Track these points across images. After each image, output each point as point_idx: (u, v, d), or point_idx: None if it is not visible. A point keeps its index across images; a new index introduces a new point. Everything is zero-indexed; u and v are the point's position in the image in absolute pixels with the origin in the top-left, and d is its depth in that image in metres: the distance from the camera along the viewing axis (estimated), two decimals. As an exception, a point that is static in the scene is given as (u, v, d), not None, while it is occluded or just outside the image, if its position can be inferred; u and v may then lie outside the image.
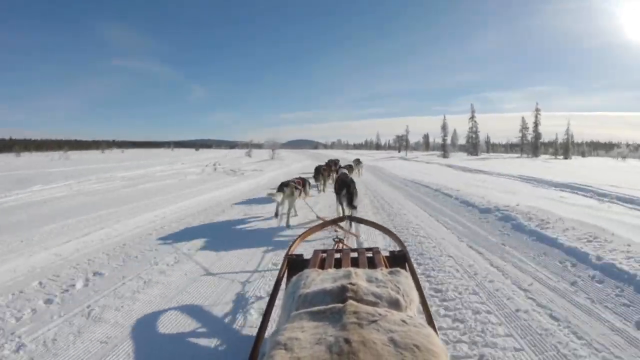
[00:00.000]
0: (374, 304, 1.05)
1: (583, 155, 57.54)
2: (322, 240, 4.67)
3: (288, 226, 5.77)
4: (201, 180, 12.57)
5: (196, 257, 4.37)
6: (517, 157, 46.31)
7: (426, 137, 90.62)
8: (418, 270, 3.60)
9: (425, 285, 3.30)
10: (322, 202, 8.82)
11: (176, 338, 2.54)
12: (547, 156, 51.91)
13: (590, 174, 17.32)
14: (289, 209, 5.92)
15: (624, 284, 3.22)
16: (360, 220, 2.90)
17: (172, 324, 2.75)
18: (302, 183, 6.49)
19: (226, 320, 2.80)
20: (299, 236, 2.35)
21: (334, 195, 6.38)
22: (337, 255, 1.97)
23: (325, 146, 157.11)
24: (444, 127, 49.40)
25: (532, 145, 50.26)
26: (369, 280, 1.21)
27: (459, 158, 39.63)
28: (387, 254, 2.15)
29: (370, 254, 1.94)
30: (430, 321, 1.31)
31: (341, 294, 1.09)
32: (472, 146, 50.41)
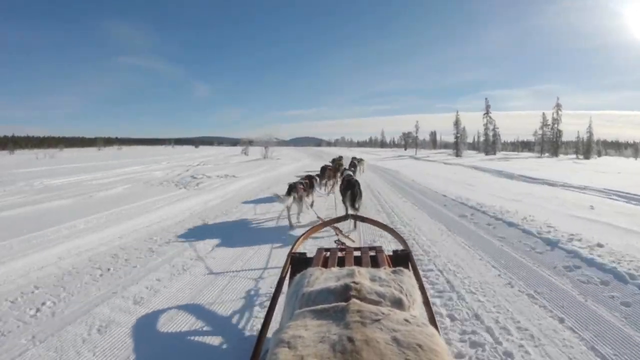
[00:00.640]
0: (377, 303, 1.03)
1: (599, 154, 52.34)
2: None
3: (291, 226, 5.67)
4: (117, 199, 7.81)
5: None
6: (538, 157, 41.46)
7: (433, 134, 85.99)
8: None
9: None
10: (328, 202, 8.00)
11: None
12: (568, 156, 47.00)
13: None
14: (298, 211, 5.89)
15: None
16: (363, 219, 2.84)
17: None
18: (309, 182, 6.37)
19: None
20: (302, 235, 2.32)
21: (335, 196, 6.67)
22: (340, 254, 1.92)
23: (328, 144, 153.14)
24: (456, 124, 44.59)
25: (552, 143, 45.40)
26: (372, 279, 1.20)
27: (477, 158, 34.82)
28: (391, 253, 2.06)
29: (373, 253, 1.91)
30: (432, 321, 1.29)
31: (345, 293, 1.07)
32: (490, 144, 45.35)
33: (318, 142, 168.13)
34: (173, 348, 2.41)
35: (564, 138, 47.70)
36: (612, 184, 11.50)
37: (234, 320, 2.79)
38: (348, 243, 2.63)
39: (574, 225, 5.43)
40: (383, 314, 0.93)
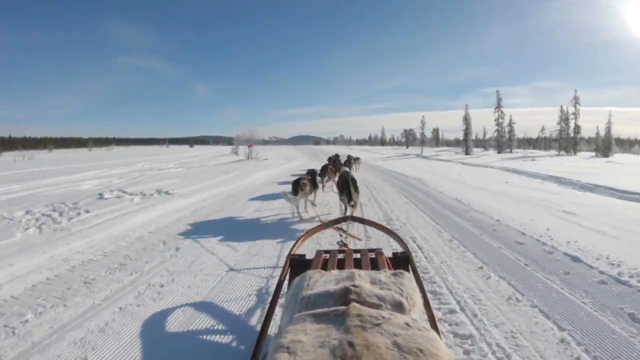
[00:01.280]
0: (377, 307, 1.01)
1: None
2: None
3: (299, 215, 5.79)
4: None
5: None
6: (558, 155, 37.04)
7: (436, 131, 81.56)
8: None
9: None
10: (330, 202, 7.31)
11: None
12: (587, 153, 42.50)
13: None
14: (305, 204, 5.97)
15: None
16: (362, 221, 2.83)
17: None
18: (311, 179, 6.31)
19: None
20: (302, 236, 2.26)
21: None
22: (340, 256, 1.88)
23: (327, 142, 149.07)
24: (465, 120, 40.05)
25: (570, 140, 40.93)
26: (373, 282, 1.17)
27: (496, 157, 30.19)
28: (390, 255, 1.99)
29: (373, 255, 1.86)
30: (433, 324, 1.26)
31: (344, 296, 1.04)
32: (505, 142, 40.53)
33: (317, 141, 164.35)
34: None
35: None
36: None
37: None
38: (354, 241, 2.63)
39: None
40: (383, 317, 0.91)
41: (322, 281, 1.21)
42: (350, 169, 9.15)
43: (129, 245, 4.50)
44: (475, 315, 2.63)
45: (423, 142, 46.65)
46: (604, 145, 41.24)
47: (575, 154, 40.52)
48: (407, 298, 1.08)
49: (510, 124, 40.51)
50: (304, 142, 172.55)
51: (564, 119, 40.31)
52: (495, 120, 41.88)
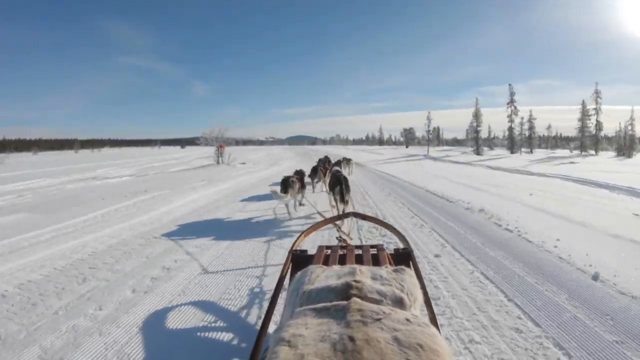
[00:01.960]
0: (378, 302, 0.99)
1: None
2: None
3: (295, 209, 6.06)
4: None
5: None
6: (583, 155, 32.36)
7: (436, 130, 76.96)
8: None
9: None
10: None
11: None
12: (607, 153, 37.85)
13: None
14: (300, 200, 6.20)
15: None
16: (364, 217, 2.65)
17: None
18: (300, 178, 6.30)
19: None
20: (303, 232, 2.23)
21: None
22: (342, 252, 1.83)
23: (324, 142, 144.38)
24: (476, 116, 35.32)
25: (592, 138, 36.28)
26: (374, 278, 1.14)
27: (519, 158, 25.32)
28: (392, 251, 1.94)
29: (374, 251, 1.82)
30: (433, 320, 1.26)
31: (345, 291, 1.03)
32: (526, 140, 35.59)
33: (313, 141, 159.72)
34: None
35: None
36: None
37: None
38: (347, 240, 2.52)
39: None
40: (384, 313, 0.90)
41: (323, 276, 1.19)
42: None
43: None
44: None
45: (429, 141, 41.63)
46: (628, 144, 36.66)
47: (597, 153, 35.95)
48: (407, 294, 1.05)
49: (530, 120, 35.53)
50: (301, 142, 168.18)
51: (589, 115, 35.46)
52: (507, 117, 37.16)
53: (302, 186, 6.26)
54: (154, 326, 2.49)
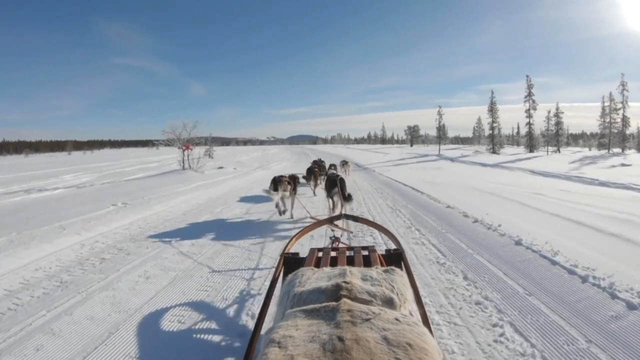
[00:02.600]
0: (368, 303, 0.98)
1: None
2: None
3: (291, 216, 5.78)
4: None
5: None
6: (615, 154, 28.34)
7: (441, 128, 72.91)
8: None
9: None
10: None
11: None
12: (630, 151, 33.81)
13: None
14: (292, 203, 5.91)
15: None
16: (356, 219, 2.65)
17: None
18: (293, 180, 6.12)
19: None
20: (295, 235, 2.19)
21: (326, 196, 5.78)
22: (333, 254, 1.80)
23: (325, 141, 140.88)
24: (492, 110, 31.34)
25: (616, 135, 32.26)
26: (364, 279, 1.13)
27: (558, 161, 21.18)
28: (384, 252, 1.94)
29: (366, 253, 1.80)
30: (424, 320, 1.23)
31: (335, 293, 1.02)
32: (553, 137, 31.25)
33: (314, 140, 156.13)
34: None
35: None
36: None
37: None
38: (345, 236, 2.59)
39: None
40: (373, 313, 0.89)
41: (314, 278, 1.18)
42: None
43: None
44: None
45: (440, 139, 37.41)
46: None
47: (623, 151, 32.00)
48: (397, 294, 1.04)
49: (557, 114, 31.25)
50: (302, 141, 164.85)
51: (615, 109, 31.39)
52: (525, 112, 33.17)
53: (294, 189, 5.99)
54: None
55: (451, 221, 5.19)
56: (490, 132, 31.49)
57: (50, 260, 3.78)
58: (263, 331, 1.26)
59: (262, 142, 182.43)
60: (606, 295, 2.69)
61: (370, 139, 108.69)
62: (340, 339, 0.77)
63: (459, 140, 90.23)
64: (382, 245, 3.81)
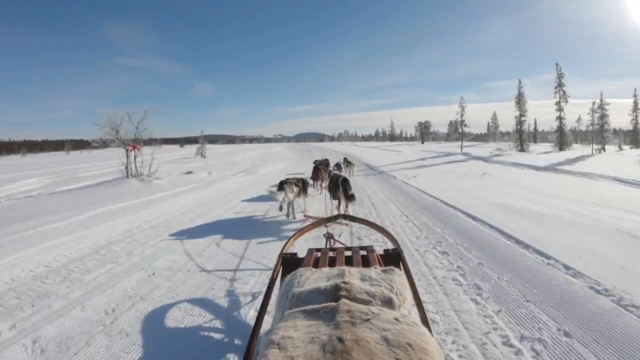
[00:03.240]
0: (367, 303, 0.97)
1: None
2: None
3: (294, 217, 5.60)
4: None
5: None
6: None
7: (453, 125, 68.82)
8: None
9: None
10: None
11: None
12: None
13: None
14: (292, 204, 5.72)
15: None
16: (354, 219, 2.58)
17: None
18: (301, 183, 6.05)
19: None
20: (293, 235, 2.11)
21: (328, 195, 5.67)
22: (331, 254, 1.79)
23: (331, 139, 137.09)
24: (519, 103, 27.40)
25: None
26: (363, 279, 1.12)
27: (617, 162, 17.19)
28: (382, 252, 1.90)
29: (364, 253, 1.79)
30: (424, 320, 1.19)
31: (335, 293, 1.00)
32: (594, 134, 26.80)
33: (321, 138, 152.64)
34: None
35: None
36: None
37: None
38: (342, 231, 2.54)
39: None
40: (373, 313, 0.88)
41: (312, 278, 1.16)
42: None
43: None
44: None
45: (463, 135, 33.31)
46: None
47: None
48: (397, 294, 1.03)
49: (602, 107, 26.79)
50: (308, 139, 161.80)
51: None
52: (556, 104, 29.11)
53: (304, 192, 5.83)
54: None
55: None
56: (518, 127, 27.51)
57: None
58: (262, 332, 1.19)
59: (268, 140, 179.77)
60: None
61: (378, 136, 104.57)
62: (340, 340, 0.76)
63: (472, 137, 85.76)
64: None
